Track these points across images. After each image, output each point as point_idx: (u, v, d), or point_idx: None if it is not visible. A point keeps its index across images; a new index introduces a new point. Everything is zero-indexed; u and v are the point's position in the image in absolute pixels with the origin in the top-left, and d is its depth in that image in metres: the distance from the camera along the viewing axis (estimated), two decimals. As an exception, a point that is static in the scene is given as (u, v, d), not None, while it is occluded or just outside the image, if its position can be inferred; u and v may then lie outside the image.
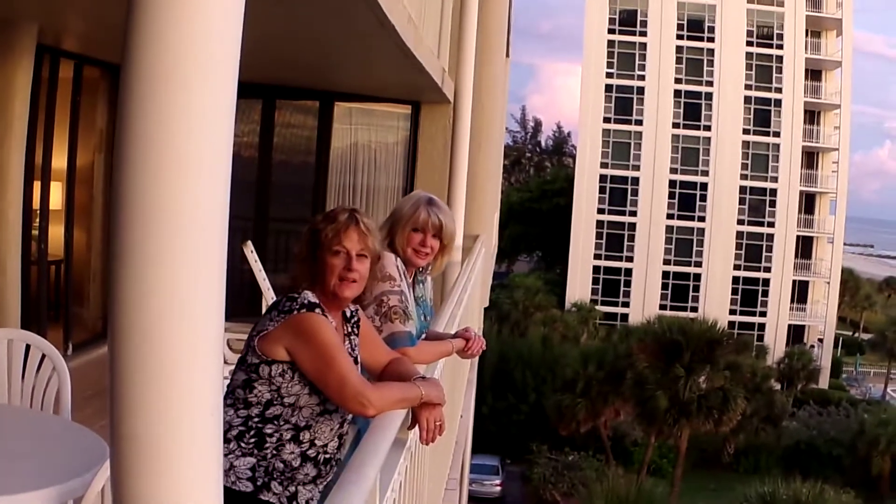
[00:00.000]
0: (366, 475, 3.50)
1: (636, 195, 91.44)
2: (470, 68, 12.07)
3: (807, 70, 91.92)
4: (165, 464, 2.18)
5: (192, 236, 2.14)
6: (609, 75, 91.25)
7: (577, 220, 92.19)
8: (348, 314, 4.77)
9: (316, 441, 4.47)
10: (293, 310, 4.39)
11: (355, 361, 4.65)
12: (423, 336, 6.06)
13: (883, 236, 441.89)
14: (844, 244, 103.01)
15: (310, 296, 4.45)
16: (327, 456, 4.53)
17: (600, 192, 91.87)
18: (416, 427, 4.62)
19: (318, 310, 4.40)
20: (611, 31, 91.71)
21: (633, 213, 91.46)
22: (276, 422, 4.40)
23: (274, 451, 4.39)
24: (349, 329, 4.73)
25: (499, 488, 54.95)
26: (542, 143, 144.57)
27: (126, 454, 2.18)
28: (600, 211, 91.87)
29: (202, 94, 2.12)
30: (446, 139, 12.63)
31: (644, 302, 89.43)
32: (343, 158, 13.32)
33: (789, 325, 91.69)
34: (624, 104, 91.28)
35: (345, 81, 12.25)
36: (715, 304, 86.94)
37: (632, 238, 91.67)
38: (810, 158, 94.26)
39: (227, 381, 4.35)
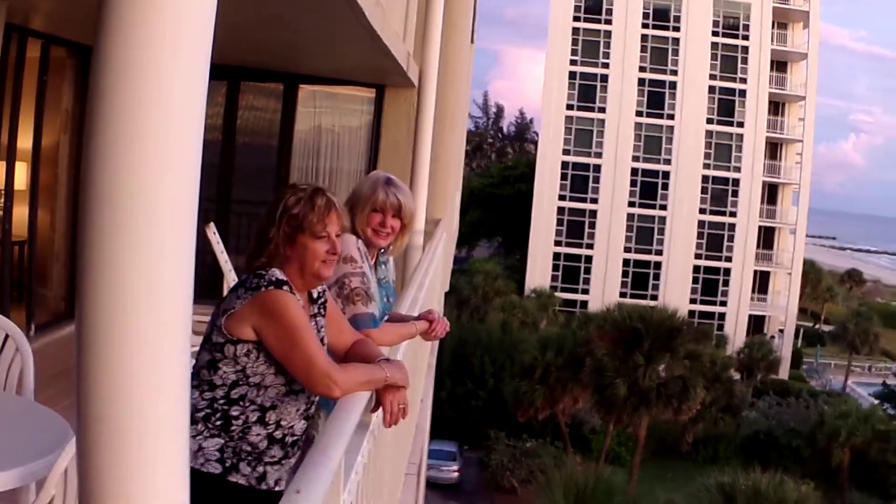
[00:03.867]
0: (331, 457, 3.50)
1: (598, 182, 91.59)
2: (435, 53, 12.06)
3: (772, 61, 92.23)
4: (132, 445, 2.17)
5: (160, 219, 2.13)
6: (573, 62, 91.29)
7: (538, 206, 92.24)
8: (315, 295, 4.76)
9: (282, 422, 4.46)
10: (261, 286, 4.37)
11: (322, 342, 4.64)
12: (386, 318, 6.04)
13: (845, 228, 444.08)
14: (807, 235, 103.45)
15: (277, 273, 4.43)
16: (294, 438, 4.53)
17: (562, 179, 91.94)
18: (380, 409, 4.63)
19: (286, 287, 4.39)
20: (576, 19, 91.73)
21: (595, 201, 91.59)
22: (241, 403, 4.39)
23: (241, 434, 4.39)
24: (316, 310, 4.72)
25: (456, 474, 54.86)
26: (505, 129, 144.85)
27: (92, 435, 2.17)
28: (561, 197, 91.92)
29: (174, 76, 2.11)
30: (410, 123, 12.62)
31: (604, 289, 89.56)
32: (307, 141, 13.29)
33: (750, 316, 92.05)
34: (587, 91, 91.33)
35: (310, 64, 12.22)
36: (675, 292, 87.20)
37: (592, 225, 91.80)
38: (774, 149, 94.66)
39: (191, 363, 4.32)
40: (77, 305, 2.15)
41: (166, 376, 2.21)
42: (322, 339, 4.67)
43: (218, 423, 4.35)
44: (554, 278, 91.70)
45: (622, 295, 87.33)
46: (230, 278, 10.29)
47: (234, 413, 4.38)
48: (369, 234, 6.02)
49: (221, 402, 4.36)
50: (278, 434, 4.46)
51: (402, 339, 6.08)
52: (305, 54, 11.46)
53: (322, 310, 4.78)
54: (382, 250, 6.22)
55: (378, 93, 13.08)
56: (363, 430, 4.39)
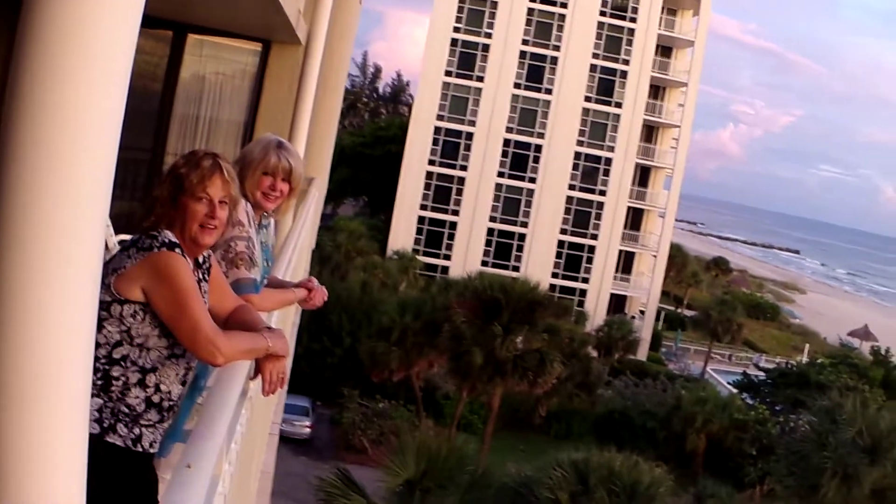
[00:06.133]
0: (217, 431, 3.49)
1: (469, 150, 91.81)
2: (326, 11, 12.01)
3: (658, 46, 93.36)
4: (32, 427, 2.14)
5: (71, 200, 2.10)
6: (457, 29, 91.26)
7: (407, 169, 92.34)
8: (201, 260, 4.71)
9: (161, 386, 4.41)
10: (153, 247, 4.32)
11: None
12: (265, 283, 6.01)
13: (715, 216, 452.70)
14: (676, 220, 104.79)
15: (170, 235, 4.39)
16: (171, 402, 4.49)
17: (433, 144, 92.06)
18: (259, 377, 4.62)
19: (178, 250, 4.35)
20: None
21: (464, 168, 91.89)
22: (122, 363, 4.33)
23: (119, 395, 4.33)
24: (201, 275, 4.67)
25: (308, 430, 54.85)
26: (380, 90, 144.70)
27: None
28: (431, 162, 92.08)
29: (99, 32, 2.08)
30: (293, 81, 12.55)
31: (466, 257, 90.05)
32: (189, 90, 13.16)
33: (612, 295, 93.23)
34: (467, 59, 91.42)
35: (200, 14, 12.10)
36: (538, 266, 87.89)
37: (460, 192, 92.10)
38: (650, 132, 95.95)
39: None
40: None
41: (68, 347, 2.17)
42: (207, 305, 4.63)
43: (98, 382, 4.29)
44: (417, 241, 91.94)
45: (484, 264, 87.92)
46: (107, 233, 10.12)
47: (115, 374, 4.33)
48: (258, 197, 5.97)
49: (103, 361, 4.30)
50: (156, 398, 4.41)
51: (281, 305, 6.09)
52: (197, 3, 11.34)
53: (206, 275, 4.74)
54: (266, 214, 6.17)
55: (265, 48, 12.98)
56: (242, 399, 4.38)
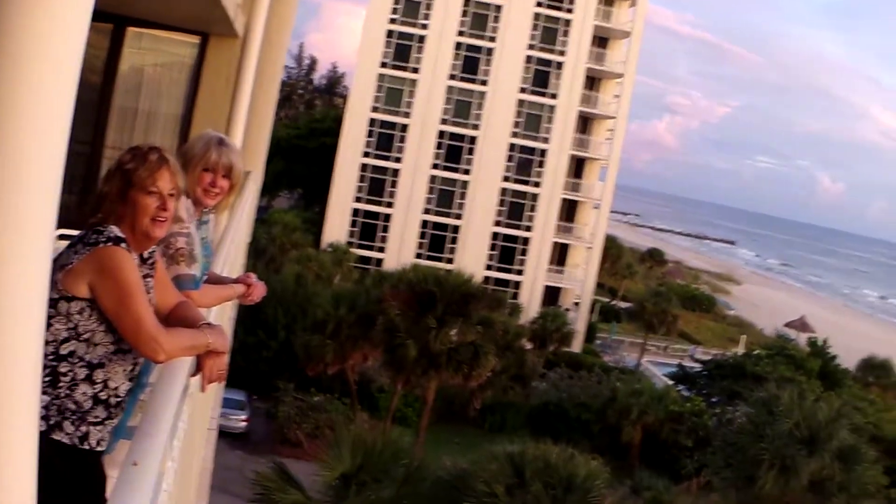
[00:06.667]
0: (162, 428, 3.50)
1: (403, 142, 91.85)
2: (265, 4, 12.01)
3: (594, 37, 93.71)
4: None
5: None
6: (392, 21, 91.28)
7: (342, 161, 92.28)
8: (146, 255, 4.71)
9: (109, 383, 4.42)
10: (99, 242, 4.33)
11: (150, 303, 4.60)
12: (205, 279, 6.02)
13: (651, 207, 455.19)
14: (611, 211, 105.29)
15: (116, 230, 4.40)
16: (118, 399, 4.49)
17: (368, 136, 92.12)
18: (199, 373, 4.66)
19: (123, 245, 4.36)
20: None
21: (399, 160, 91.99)
22: (70, 359, 4.33)
23: (67, 391, 4.34)
24: (146, 270, 4.67)
25: (245, 424, 54.62)
26: (316, 82, 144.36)
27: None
28: (366, 154, 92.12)
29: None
30: (230, 74, 12.54)
31: (400, 249, 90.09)
32: (129, 83, 13.11)
33: (546, 287, 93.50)
34: (403, 51, 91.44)
35: (140, 7, 12.05)
36: (472, 258, 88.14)
37: (394, 184, 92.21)
38: (585, 124, 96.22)
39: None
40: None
41: (18, 352, 2.18)
42: (150, 301, 4.63)
43: (46, 379, 4.28)
44: (351, 234, 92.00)
45: (418, 256, 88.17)
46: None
47: (63, 370, 4.33)
48: (199, 193, 5.97)
49: (50, 357, 4.29)
50: (104, 395, 4.42)
51: (221, 301, 6.10)
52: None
53: (151, 270, 4.74)
54: (206, 210, 6.17)
55: (203, 40, 12.93)
56: (184, 395, 4.40)
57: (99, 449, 4.46)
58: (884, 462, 49.79)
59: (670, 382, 75.00)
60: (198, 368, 4.69)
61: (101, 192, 4.57)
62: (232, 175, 6.07)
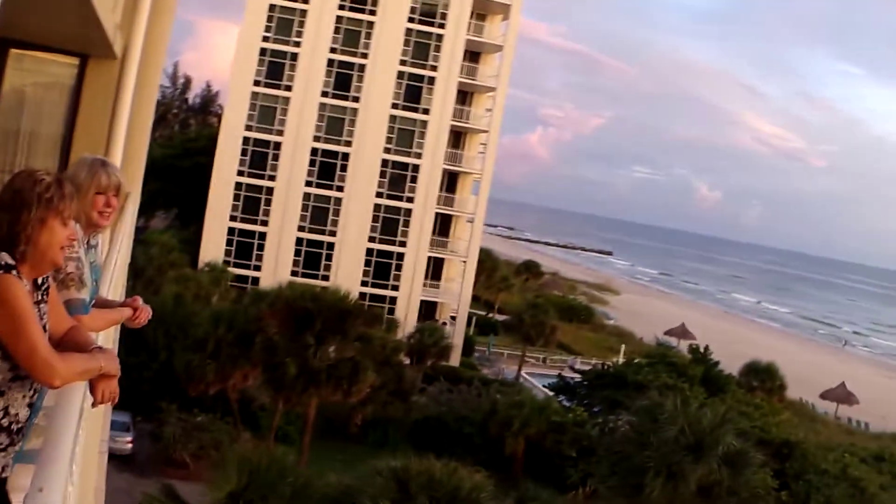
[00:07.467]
0: (64, 452, 3.50)
1: (277, 160, 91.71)
2: (142, 25, 11.97)
3: (466, 51, 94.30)
4: None
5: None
6: (265, 39, 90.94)
7: (217, 180, 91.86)
8: (40, 281, 4.70)
9: (10, 409, 4.40)
10: None
11: (44, 329, 4.59)
12: (93, 303, 6.02)
13: (525, 219, 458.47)
14: (485, 225, 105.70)
15: (6, 257, 4.37)
16: (19, 425, 4.48)
17: (242, 154, 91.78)
18: (91, 397, 4.69)
19: (14, 272, 4.34)
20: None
21: (273, 178, 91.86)
22: None
23: None
24: (40, 296, 4.66)
25: (130, 445, 53.92)
26: (190, 101, 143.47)
27: None
28: (240, 173, 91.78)
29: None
30: (109, 96, 12.49)
31: (276, 267, 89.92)
32: (9, 104, 13.01)
33: (422, 301, 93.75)
34: (275, 69, 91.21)
35: (22, 29, 11.96)
36: (347, 274, 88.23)
37: (269, 202, 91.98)
38: (458, 138, 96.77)
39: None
40: None
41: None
42: (45, 326, 4.62)
43: None
44: (228, 253, 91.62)
45: (294, 273, 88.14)
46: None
47: None
48: (95, 217, 6.02)
49: None
50: (5, 422, 4.40)
51: (110, 324, 6.14)
52: (17, 17, 11.22)
53: (45, 296, 4.73)
54: (94, 233, 6.19)
55: (82, 62, 12.88)
56: (80, 420, 4.41)
57: (3, 475, 4.44)
58: (772, 465, 50.69)
59: (551, 393, 75.43)
60: (91, 392, 4.70)
61: (16, 220, 4.50)
62: (120, 194, 6.13)
